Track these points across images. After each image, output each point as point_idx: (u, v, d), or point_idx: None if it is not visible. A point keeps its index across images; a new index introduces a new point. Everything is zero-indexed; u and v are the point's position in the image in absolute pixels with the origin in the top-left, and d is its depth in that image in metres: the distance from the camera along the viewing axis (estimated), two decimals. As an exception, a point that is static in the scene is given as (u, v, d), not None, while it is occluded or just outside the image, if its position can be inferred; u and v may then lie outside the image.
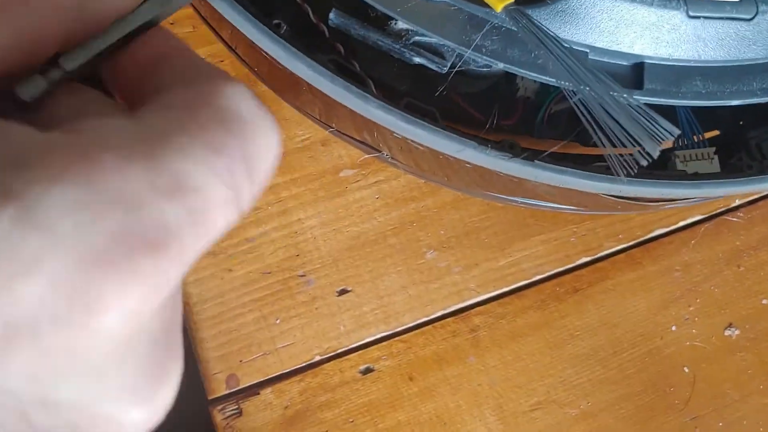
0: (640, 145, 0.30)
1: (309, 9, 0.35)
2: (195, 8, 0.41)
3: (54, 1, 0.17)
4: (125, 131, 0.16)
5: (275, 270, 0.45)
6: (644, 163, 0.31)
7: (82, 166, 0.14)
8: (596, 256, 0.49)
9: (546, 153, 0.36)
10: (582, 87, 0.31)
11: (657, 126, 0.31)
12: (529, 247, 0.47)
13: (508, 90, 0.42)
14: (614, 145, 0.31)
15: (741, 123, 0.46)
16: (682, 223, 0.51)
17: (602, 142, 0.31)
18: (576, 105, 0.31)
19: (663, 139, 0.30)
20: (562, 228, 0.48)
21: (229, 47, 0.43)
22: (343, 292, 0.46)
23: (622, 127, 0.31)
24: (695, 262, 0.50)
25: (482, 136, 0.37)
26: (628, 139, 0.31)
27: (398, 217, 0.46)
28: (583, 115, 0.31)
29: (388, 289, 0.46)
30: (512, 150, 0.36)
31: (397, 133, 0.36)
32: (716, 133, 0.46)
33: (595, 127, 0.31)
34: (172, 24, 0.45)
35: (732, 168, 0.41)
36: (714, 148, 0.42)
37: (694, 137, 0.45)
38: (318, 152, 0.45)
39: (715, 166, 0.42)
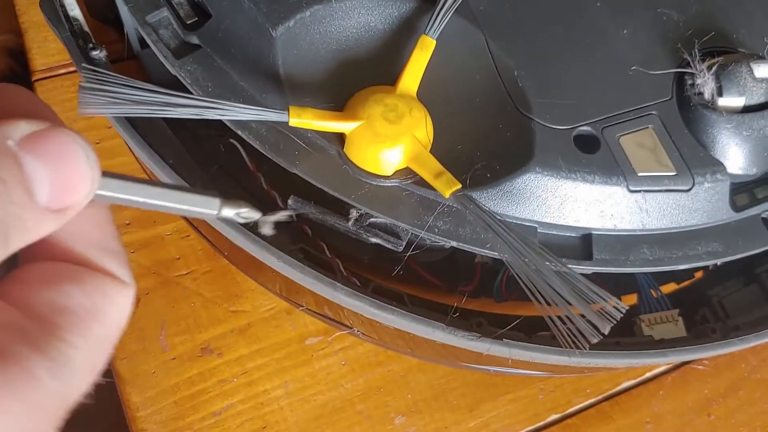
0: (590, 323, 0.31)
1: (276, 195, 0.36)
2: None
3: None
4: None
5: (242, 442, 0.44)
6: (594, 340, 0.31)
7: None
8: (566, 413, 0.48)
9: (509, 326, 0.37)
10: (529, 266, 0.32)
11: (605, 303, 0.32)
12: (498, 407, 0.47)
13: (467, 257, 0.43)
14: (564, 323, 0.32)
15: (697, 276, 0.47)
16: (648, 375, 0.51)
17: (553, 321, 0.31)
18: (524, 283, 0.32)
19: (612, 319, 0.31)
20: (529, 386, 0.48)
21: (191, 224, 0.45)
22: (312, 461, 0.45)
23: (570, 304, 0.32)
24: (665, 413, 0.50)
25: (450, 312, 0.38)
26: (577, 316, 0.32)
27: (365, 383, 0.46)
28: (533, 294, 0.32)
29: (358, 457, 0.45)
30: (480, 329, 0.37)
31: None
32: (675, 286, 0.48)
33: (544, 305, 0.32)
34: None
35: (698, 331, 0.42)
36: (677, 310, 0.43)
37: (653, 292, 0.46)
38: (283, 321, 0.46)
39: (680, 328, 0.42)
